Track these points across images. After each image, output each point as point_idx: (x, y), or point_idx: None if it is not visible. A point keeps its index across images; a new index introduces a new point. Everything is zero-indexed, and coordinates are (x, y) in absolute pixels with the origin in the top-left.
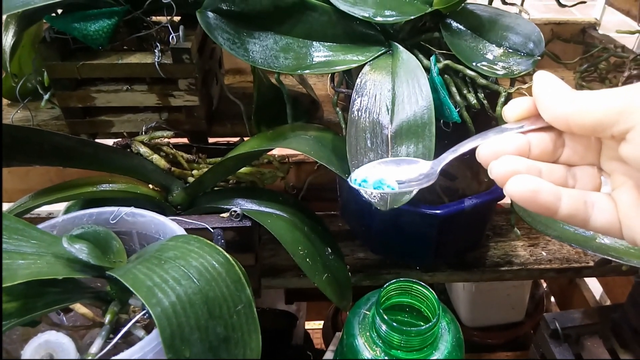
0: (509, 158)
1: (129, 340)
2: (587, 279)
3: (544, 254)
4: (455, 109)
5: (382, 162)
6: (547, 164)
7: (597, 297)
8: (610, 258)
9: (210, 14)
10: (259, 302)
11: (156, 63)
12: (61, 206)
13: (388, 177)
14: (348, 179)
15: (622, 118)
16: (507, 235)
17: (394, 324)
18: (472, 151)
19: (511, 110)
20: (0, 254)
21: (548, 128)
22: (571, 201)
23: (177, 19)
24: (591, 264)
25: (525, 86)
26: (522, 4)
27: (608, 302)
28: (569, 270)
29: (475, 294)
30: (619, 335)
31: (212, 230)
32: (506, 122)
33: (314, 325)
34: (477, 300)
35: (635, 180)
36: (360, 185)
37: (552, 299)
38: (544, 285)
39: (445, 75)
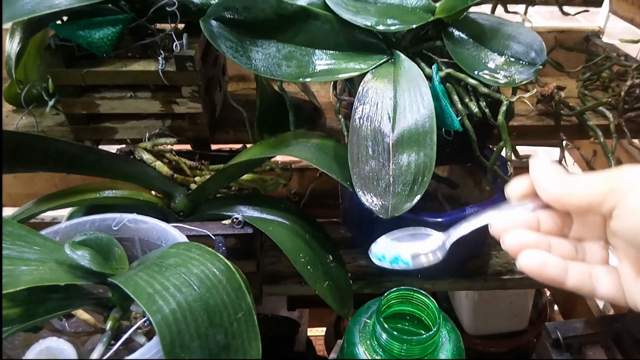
0: (520, 231)
1: (130, 347)
2: None
3: None
4: (457, 117)
5: (398, 236)
6: (557, 239)
7: (601, 306)
8: None
9: (213, 23)
10: (261, 309)
11: (160, 70)
12: (65, 211)
13: (403, 252)
14: (369, 252)
15: (607, 199)
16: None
17: (395, 332)
18: (473, 158)
19: (513, 190)
20: (0, 259)
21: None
22: (577, 275)
23: (181, 26)
24: None
25: (527, 95)
26: (525, 12)
27: (612, 312)
28: None
29: (478, 302)
30: (620, 346)
31: (213, 237)
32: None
33: (317, 332)
34: (479, 309)
35: (631, 256)
36: (379, 260)
37: (556, 307)
38: (548, 293)
39: (447, 84)
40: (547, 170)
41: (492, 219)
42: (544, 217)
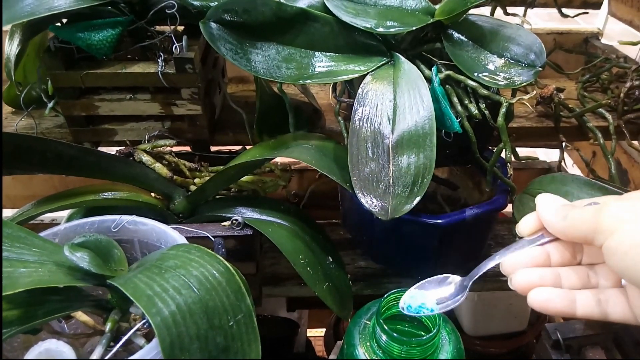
0: (525, 271)
1: (129, 349)
2: None
3: None
4: (457, 119)
5: (426, 284)
6: (567, 269)
7: None
8: None
9: (213, 25)
10: (260, 310)
11: (159, 72)
12: (64, 213)
13: (428, 300)
14: (400, 307)
15: (595, 237)
16: (509, 244)
17: (394, 334)
18: (473, 160)
19: (524, 227)
20: (0, 261)
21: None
22: (585, 302)
23: (180, 28)
24: None
25: (527, 97)
26: (524, 15)
27: None
28: None
29: (478, 303)
30: (620, 347)
31: (213, 239)
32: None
33: (316, 333)
34: (479, 310)
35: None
36: (408, 310)
37: None
38: None
39: (447, 86)
40: (552, 205)
41: (504, 258)
42: (555, 249)
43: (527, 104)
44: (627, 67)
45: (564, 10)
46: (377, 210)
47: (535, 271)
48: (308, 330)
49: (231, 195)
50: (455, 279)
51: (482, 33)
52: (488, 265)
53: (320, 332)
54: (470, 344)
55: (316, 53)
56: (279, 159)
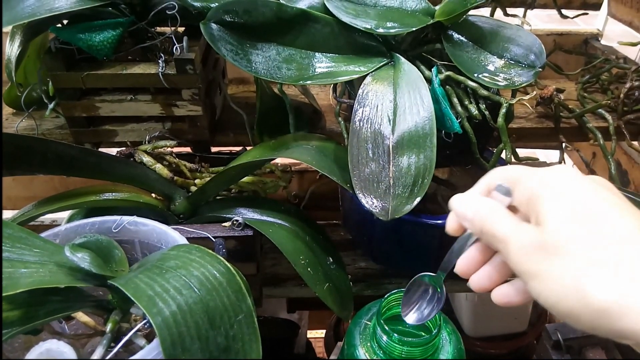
0: (473, 278)
1: (130, 349)
2: None
3: None
4: (457, 119)
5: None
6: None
7: None
8: None
9: (213, 26)
10: (260, 311)
11: (160, 73)
12: (65, 214)
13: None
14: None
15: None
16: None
17: (395, 334)
18: (473, 161)
19: (447, 226)
20: (0, 262)
21: None
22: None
23: (181, 29)
24: None
25: (527, 97)
26: (524, 16)
27: None
28: None
29: (478, 304)
30: (620, 347)
31: (213, 240)
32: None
33: (316, 334)
34: (479, 310)
35: None
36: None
37: None
38: None
39: (447, 86)
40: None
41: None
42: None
43: (527, 104)
44: (626, 68)
45: (564, 11)
46: (377, 210)
47: (482, 273)
48: (308, 331)
49: (232, 196)
50: (422, 283)
51: (482, 34)
52: (449, 263)
53: (321, 333)
54: (470, 345)
55: (316, 54)
56: (279, 160)
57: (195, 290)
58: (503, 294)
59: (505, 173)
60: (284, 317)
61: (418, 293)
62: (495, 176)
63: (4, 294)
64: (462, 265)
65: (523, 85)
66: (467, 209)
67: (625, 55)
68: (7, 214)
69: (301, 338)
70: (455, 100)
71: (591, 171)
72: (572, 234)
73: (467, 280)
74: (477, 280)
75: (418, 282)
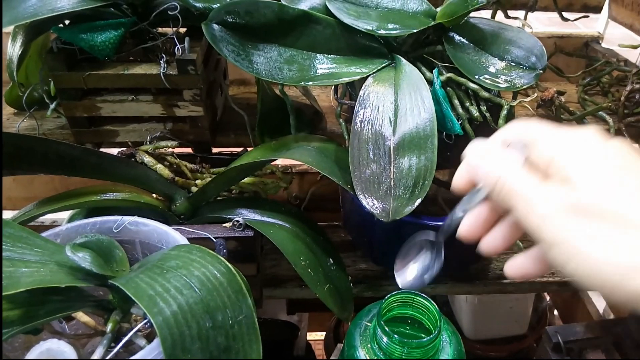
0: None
1: (130, 349)
2: (590, 293)
3: None
4: (458, 121)
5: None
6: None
7: (601, 311)
8: None
9: (215, 26)
10: (260, 313)
11: (161, 74)
12: (65, 214)
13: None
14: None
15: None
16: (510, 247)
17: (395, 336)
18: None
19: (455, 181)
20: (0, 261)
21: None
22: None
23: (182, 30)
24: None
25: (528, 99)
26: (525, 18)
27: (611, 316)
28: (571, 283)
29: (478, 307)
30: (621, 350)
31: (214, 240)
32: None
33: (316, 336)
34: (479, 313)
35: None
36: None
37: (556, 312)
38: (547, 298)
39: (448, 88)
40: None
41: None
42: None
43: (528, 106)
44: (627, 71)
45: (565, 14)
46: (378, 211)
47: (496, 234)
48: (308, 333)
49: (232, 197)
50: (423, 242)
51: (483, 36)
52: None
53: (321, 335)
54: (470, 348)
55: (318, 55)
56: (280, 161)
57: (196, 290)
58: (518, 266)
59: (523, 128)
60: (284, 319)
61: (413, 254)
62: (513, 131)
63: (4, 293)
64: (468, 225)
65: (524, 87)
66: (484, 159)
67: (625, 58)
68: (8, 214)
69: (301, 340)
70: (456, 101)
71: None
72: (611, 194)
73: (467, 281)
74: (492, 241)
75: (414, 242)
